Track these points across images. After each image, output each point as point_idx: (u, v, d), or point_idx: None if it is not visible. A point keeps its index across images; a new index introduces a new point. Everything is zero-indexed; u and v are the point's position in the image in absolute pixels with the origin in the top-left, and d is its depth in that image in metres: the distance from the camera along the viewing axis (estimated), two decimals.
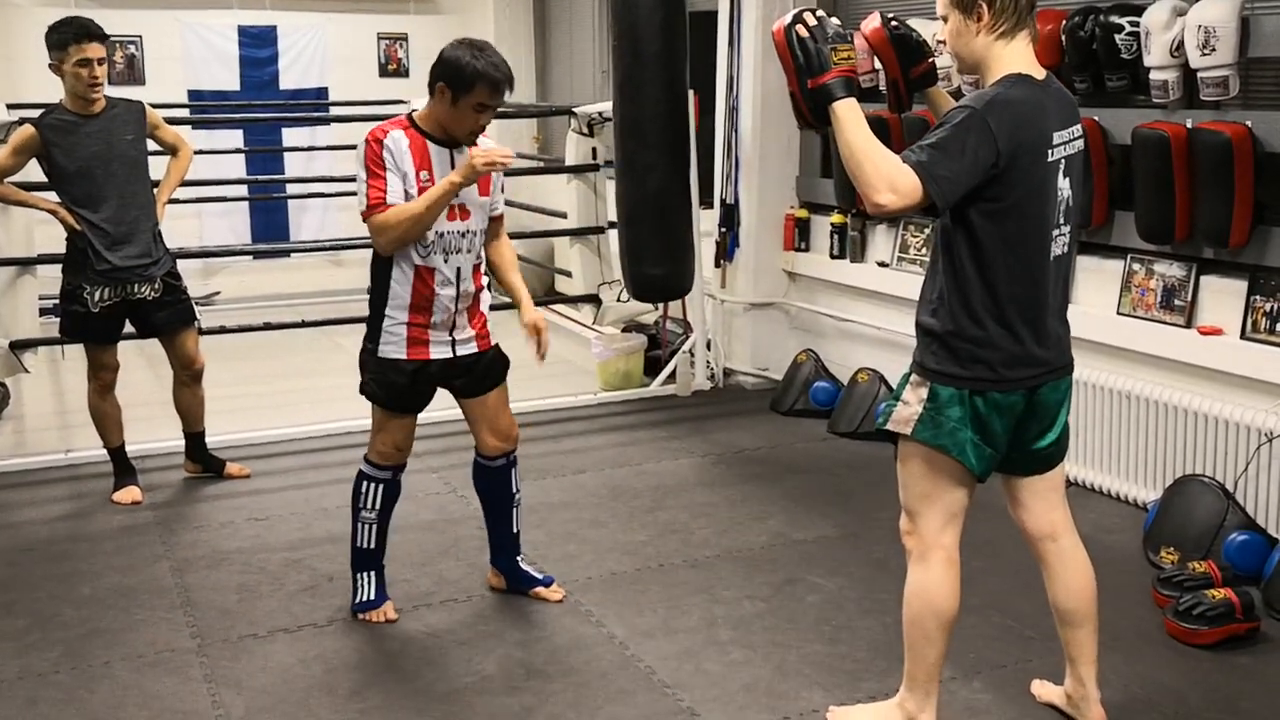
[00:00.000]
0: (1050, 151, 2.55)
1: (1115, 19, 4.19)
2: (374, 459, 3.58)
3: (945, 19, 2.62)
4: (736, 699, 3.13)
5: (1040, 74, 2.59)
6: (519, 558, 3.81)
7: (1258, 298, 3.98)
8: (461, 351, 3.50)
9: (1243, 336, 4.02)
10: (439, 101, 3.31)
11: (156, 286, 4.55)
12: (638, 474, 4.92)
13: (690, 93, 5.72)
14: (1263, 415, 3.89)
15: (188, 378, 4.75)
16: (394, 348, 3.42)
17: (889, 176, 2.44)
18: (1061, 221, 2.62)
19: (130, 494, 4.65)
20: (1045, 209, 2.57)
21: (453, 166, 3.32)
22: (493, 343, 3.61)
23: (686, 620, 3.58)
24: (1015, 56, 2.56)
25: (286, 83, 8.79)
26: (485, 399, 3.61)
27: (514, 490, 3.74)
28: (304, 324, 6.27)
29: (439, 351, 3.46)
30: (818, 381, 5.72)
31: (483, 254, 3.53)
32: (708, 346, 6.16)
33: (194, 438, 4.89)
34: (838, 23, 2.64)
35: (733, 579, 3.87)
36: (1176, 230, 4.12)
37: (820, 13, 2.65)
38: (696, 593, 3.77)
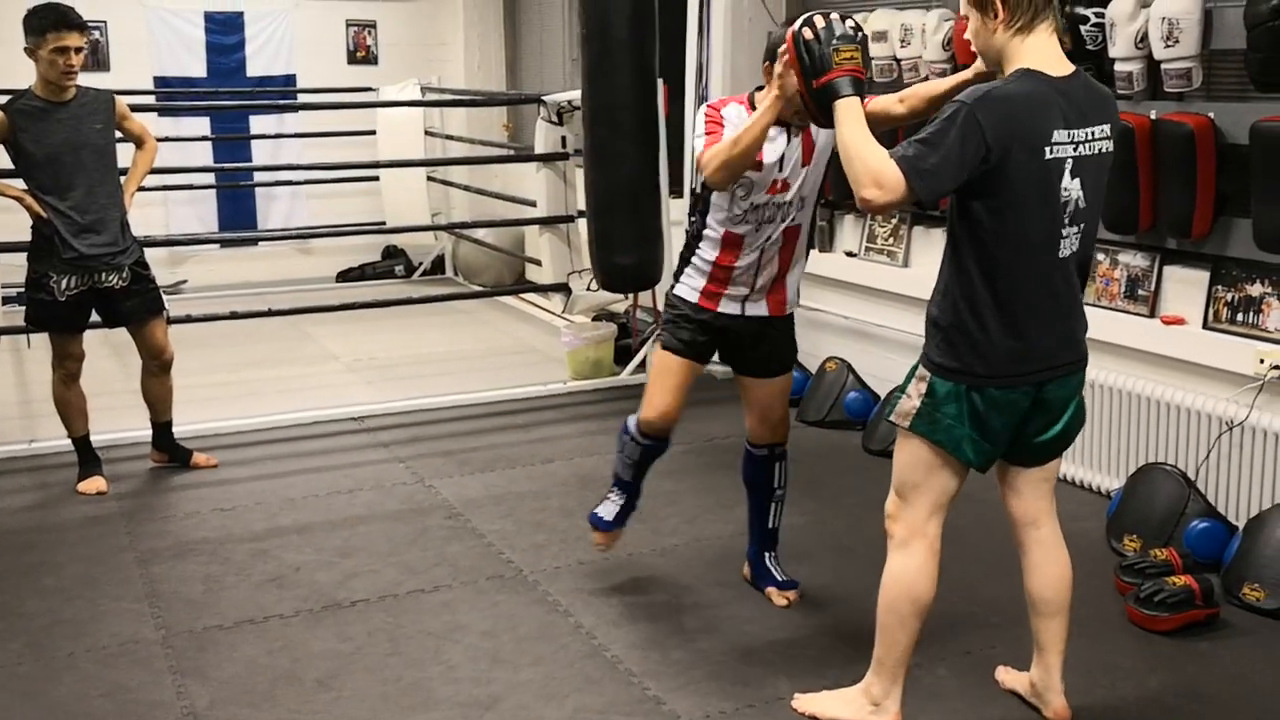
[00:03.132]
0: (1049, 149, 2.51)
1: (1081, 10, 4.21)
2: None
3: (966, 17, 2.63)
4: (703, 687, 3.14)
5: (1061, 69, 2.55)
6: (768, 554, 3.71)
7: (1219, 288, 4.02)
8: (751, 312, 3.46)
9: (1205, 326, 4.06)
10: (768, 82, 3.22)
11: (124, 276, 4.51)
12: (607, 463, 4.88)
13: (659, 81, 5.71)
14: (1224, 404, 3.93)
15: (157, 367, 4.72)
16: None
17: (875, 172, 2.47)
18: (1068, 222, 2.57)
19: (95, 484, 4.62)
20: (1046, 207, 2.54)
21: (785, 146, 3.29)
22: (787, 312, 3.52)
23: (654, 609, 3.60)
24: (1033, 51, 2.54)
25: (254, 69, 8.71)
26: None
27: (776, 485, 3.66)
28: (271, 313, 6.22)
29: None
30: None
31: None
32: None
33: (161, 427, 4.86)
34: (852, 24, 2.71)
35: (700, 568, 3.88)
36: (1140, 220, 4.16)
37: (834, 15, 2.72)
38: (664, 581, 3.78)
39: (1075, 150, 2.55)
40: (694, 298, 3.46)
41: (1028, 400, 2.66)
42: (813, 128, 3.33)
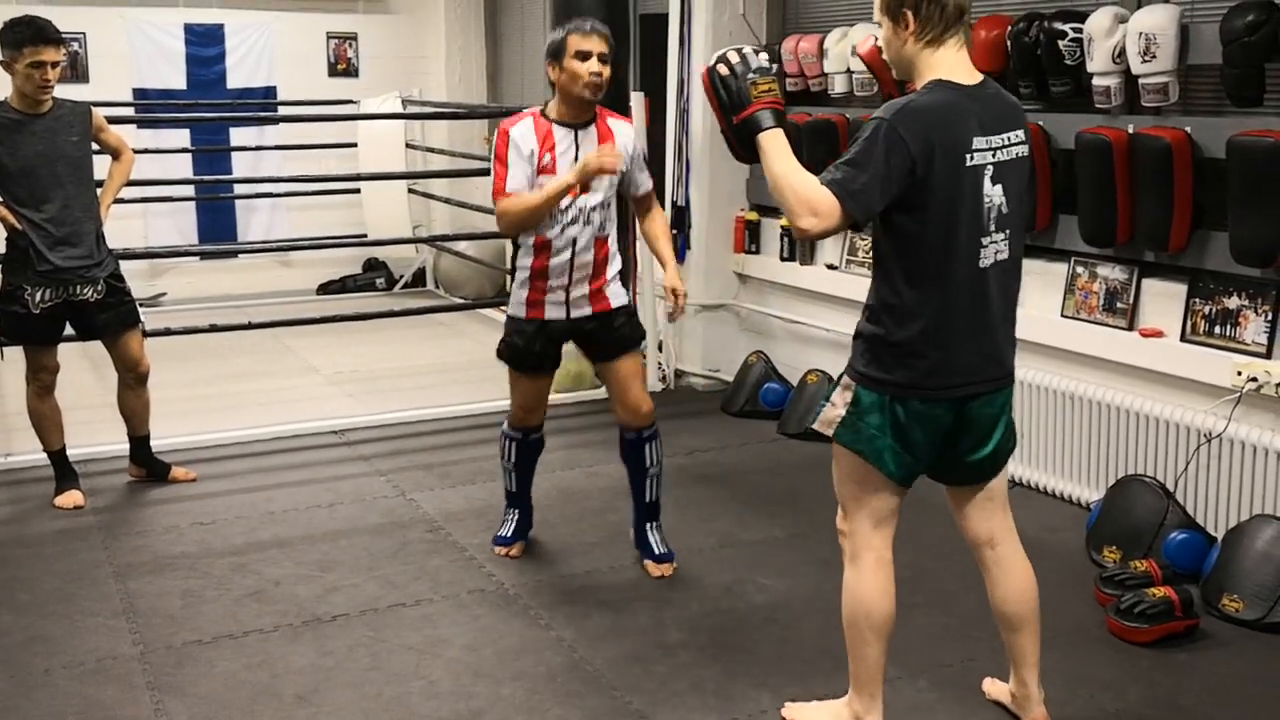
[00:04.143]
0: (970, 156, 2.54)
1: (1059, 25, 4.24)
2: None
3: (880, 25, 2.66)
4: (685, 701, 3.14)
5: (971, 79, 2.59)
6: (648, 524, 3.95)
7: (1197, 300, 4.05)
8: (575, 314, 3.76)
9: (1182, 339, 4.09)
10: (554, 76, 3.61)
11: (99, 288, 4.49)
12: (588, 476, 4.92)
13: (641, 95, 5.73)
14: (1202, 416, 3.96)
15: (132, 380, 4.69)
16: (518, 308, 3.78)
17: (808, 200, 2.49)
18: (993, 229, 2.60)
19: (72, 498, 4.58)
20: (971, 216, 2.55)
21: (574, 146, 3.61)
22: (614, 306, 3.81)
23: (635, 622, 3.59)
24: (943, 63, 2.58)
25: (234, 82, 8.69)
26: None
27: (649, 464, 3.89)
28: (251, 325, 6.19)
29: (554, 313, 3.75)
30: (768, 383, 5.75)
31: (607, 226, 3.77)
32: (659, 348, 6.17)
33: (138, 441, 4.82)
34: (765, 56, 2.70)
35: (681, 581, 3.87)
36: (1118, 234, 4.19)
37: (747, 48, 2.71)
38: (645, 595, 3.77)
39: (994, 156, 2.58)
40: (521, 312, 3.77)
41: (950, 415, 2.66)
42: (615, 135, 3.66)
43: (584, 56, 3.55)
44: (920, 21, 2.56)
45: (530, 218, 3.57)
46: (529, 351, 3.79)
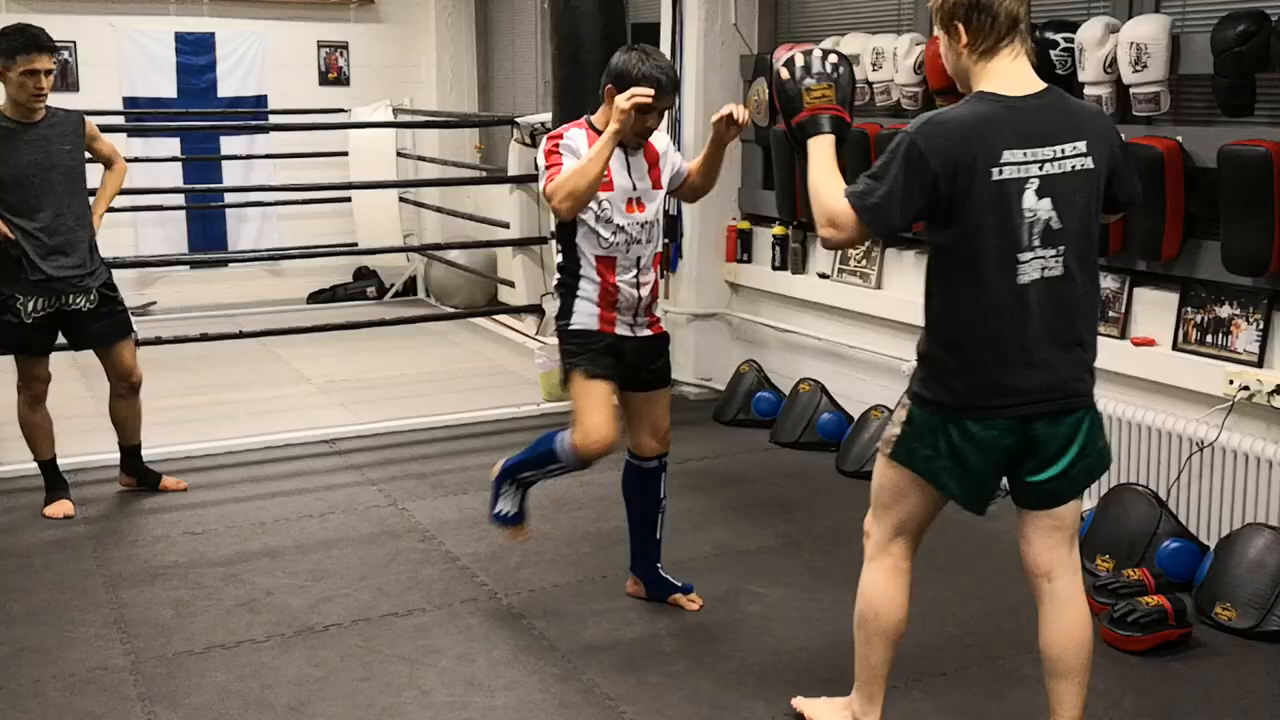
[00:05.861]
0: (999, 170, 2.46)
1: (1050, 35, 4.26)
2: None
3: (938, 38, 2.65)
4: (679, 710, 3.13)
5: (1023, 89, 2.53)
6: (659, 565, 3.78)
7: (1189, 309, 4.06)
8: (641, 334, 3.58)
9: (1174, 347, 4.10)
10: (608, 104, 3.43)
11: (92, 298, 4.47)
12: (581, 485, 4.91)
13: None
14: (1194, 425, 3.97)
15: (125, 390, 4.67)
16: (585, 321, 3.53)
17: (829, 211, 2.54)
18: (1037, 244, 2.49)
19: (62, 508, 4.56)
20: (1000, 230, 2.48)
21: (626, 166, 3.45)
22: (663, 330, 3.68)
23: (629, 632, 3.58)
24: (994, 73, 2.54)
25: (225, 90, 8.67)
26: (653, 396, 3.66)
27: (662, 495, 3.74)
28: (241, 334, 6.19)
29: (622, 329, 3.54)
30: (760, 392, 5.75)
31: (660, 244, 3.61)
32: None
33: (129, 450, 4.80)
34: (833, 60, 2.74)
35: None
36: (1111, 243, 4.20)
37: (816, 51, 2.76)
38: (639, 604, 3.77)
39: (1041, 169, 2.49)
40: (595, 325, 3.49)
41: (1012, 438, 2.57)
42: (658, 150, 3.55)
43: (644, 110, 3.36)
44: (972, 33, 2.53)
45: (587, 188, 3.30)
46: (612, 364, 3.53)
